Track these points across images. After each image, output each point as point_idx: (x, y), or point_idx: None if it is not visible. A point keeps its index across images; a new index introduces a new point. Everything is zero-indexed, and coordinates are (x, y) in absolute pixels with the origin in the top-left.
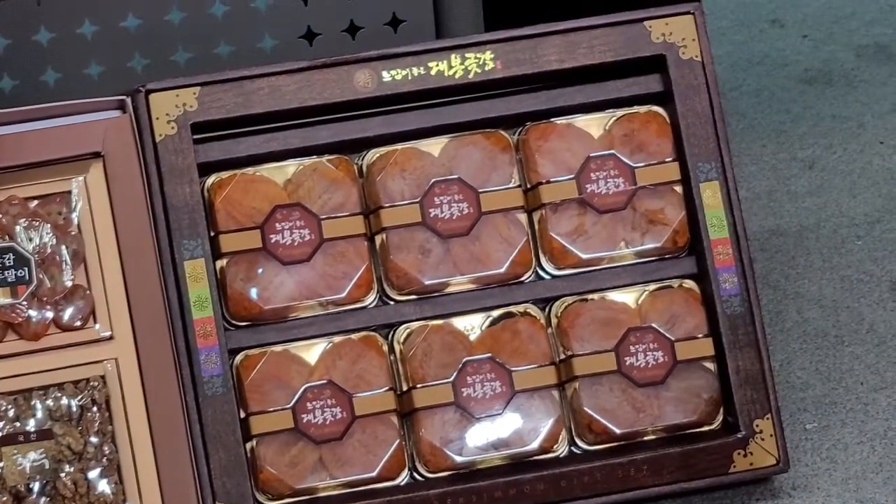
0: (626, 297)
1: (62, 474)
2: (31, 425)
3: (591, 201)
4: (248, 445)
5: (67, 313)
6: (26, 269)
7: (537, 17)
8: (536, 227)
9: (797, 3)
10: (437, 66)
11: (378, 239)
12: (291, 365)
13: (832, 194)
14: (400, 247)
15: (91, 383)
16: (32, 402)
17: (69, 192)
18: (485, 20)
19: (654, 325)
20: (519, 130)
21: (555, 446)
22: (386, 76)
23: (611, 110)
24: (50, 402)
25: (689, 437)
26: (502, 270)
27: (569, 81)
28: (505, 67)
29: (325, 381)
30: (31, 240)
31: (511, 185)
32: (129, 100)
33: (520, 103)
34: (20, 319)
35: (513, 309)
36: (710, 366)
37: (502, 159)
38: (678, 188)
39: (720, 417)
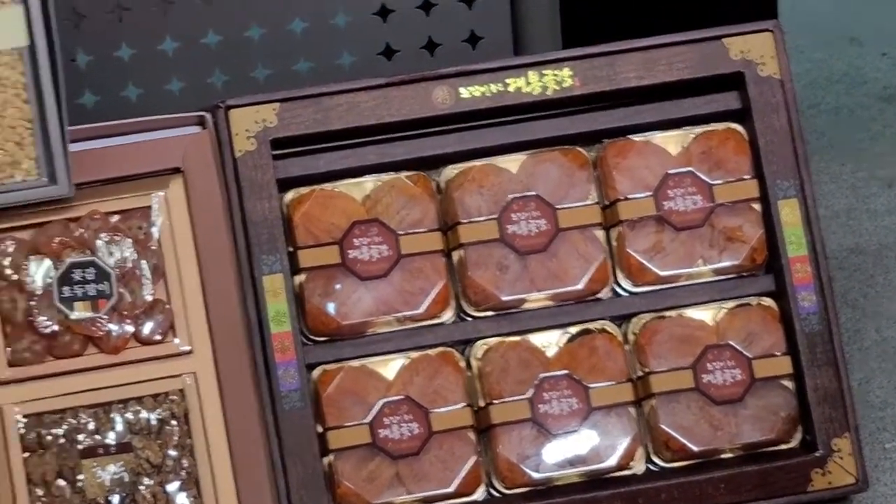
0: (704, 314)
1: (141, 487)
2: (110, 438)
3: (668, 218)
4: (326, 460)
5: (147, 327)
6: (107, 283)
7: (615, 35)
8: (614, 243)
9: (876, 21)
10: (515, 82)
11: (456, 255)
12: (369, 380)
13: None
14: (478, 263)
15: (170, 397)
16: (112, 416)
17: (150, 207)
18: (563, 37)
19: (731, 342)
20: (597, 147)
21: (631, 463)
22: (464, 93)
23: (689, 127)
24: (129, 416)
25: (767, 455)
26: (580, 287)
27: (646, 98)
28: (583, 84)
29: (402, 397)
30: (112, 254)
31: (589, 202)
32: (209, 116)
33: (597, 120)
34: (101, 333)
35: (590, 326)
36: (788, 384)
37: (580, 176)
38: (756, 206)
39: (798, 436)
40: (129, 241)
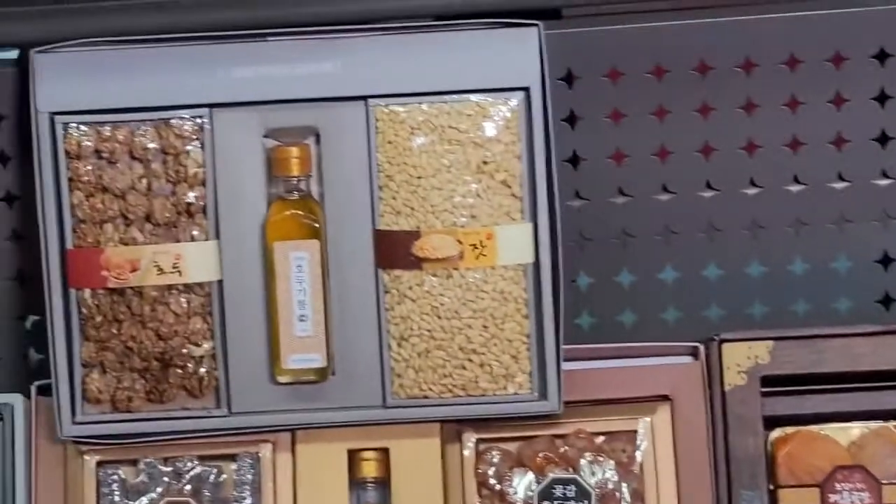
0: None
1: None
2: None
3: None
4: None
5: None
6: (586, 501)
7: None
8: None
9: None
10: None
11: None
12: None
13: None
14: None
15: None
16: None
17: (636, 432)
18: None
19: None
20: None
21: None
22: None
23: None
24: None
25: None
26: None
27: None
28: None
29: None
30: (594, 474)
31: None
32: (702, 347)
33: None
34: None
35: None
36: None
37: None
38: None
39: None
40: (612, 462)
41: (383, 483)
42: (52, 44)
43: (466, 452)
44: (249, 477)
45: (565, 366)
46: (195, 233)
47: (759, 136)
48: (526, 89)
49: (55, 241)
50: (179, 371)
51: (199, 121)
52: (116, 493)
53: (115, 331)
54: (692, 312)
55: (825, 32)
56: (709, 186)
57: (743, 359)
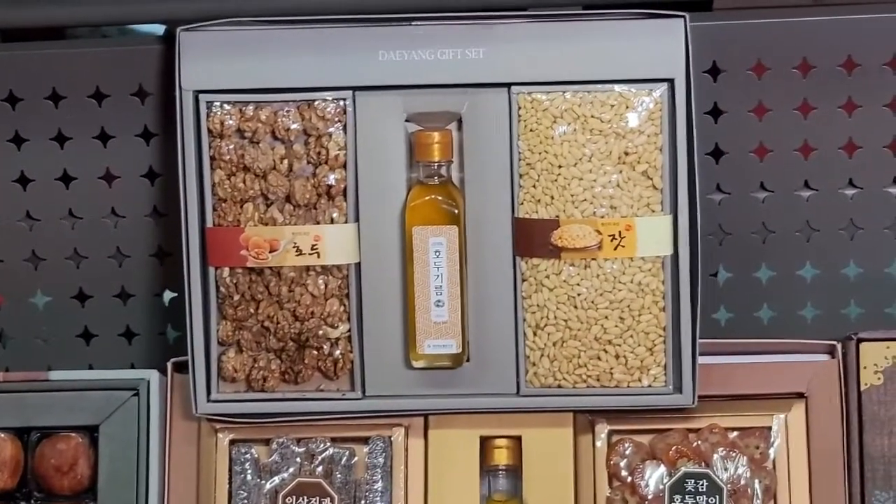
0: None
1: None
2: None
3: None
4: None
5: None
6: (718, 496)
7: None
8: None
9: None
10: None
11: None
12: None
13: None
14: None
15: None
16: None
17: (769, 428)
18: None
19: None
20: None
21: None
22: None
23: None
24: None
25: None
26: None
27: None
28: None
29: None
30: (726, 469)
31: None
32: (839, 346)
33: None
34: None
35: None
36: None
37: None
38: None
39: None
40: (745, 458)
41: (514, 471)
42: (199, 22)
43: (599, 443)
44: (381, 460)
45: (701, 360)
46: (335, 215)
47: None
48: (670, 81)
49: (195, 218)
50: (315, 352)
51: (342, 103)
52: (249, 471)
53: (252, 310)
54: (830, 310)
55: None
56: (851, 184)
57: (880, 358)
